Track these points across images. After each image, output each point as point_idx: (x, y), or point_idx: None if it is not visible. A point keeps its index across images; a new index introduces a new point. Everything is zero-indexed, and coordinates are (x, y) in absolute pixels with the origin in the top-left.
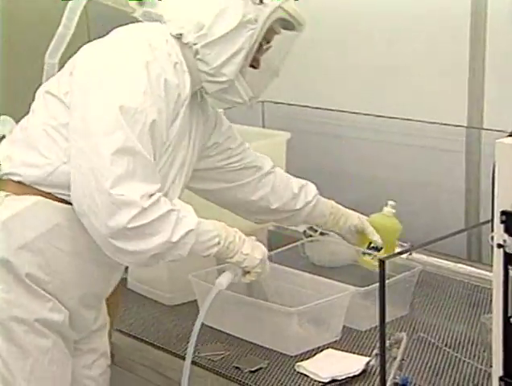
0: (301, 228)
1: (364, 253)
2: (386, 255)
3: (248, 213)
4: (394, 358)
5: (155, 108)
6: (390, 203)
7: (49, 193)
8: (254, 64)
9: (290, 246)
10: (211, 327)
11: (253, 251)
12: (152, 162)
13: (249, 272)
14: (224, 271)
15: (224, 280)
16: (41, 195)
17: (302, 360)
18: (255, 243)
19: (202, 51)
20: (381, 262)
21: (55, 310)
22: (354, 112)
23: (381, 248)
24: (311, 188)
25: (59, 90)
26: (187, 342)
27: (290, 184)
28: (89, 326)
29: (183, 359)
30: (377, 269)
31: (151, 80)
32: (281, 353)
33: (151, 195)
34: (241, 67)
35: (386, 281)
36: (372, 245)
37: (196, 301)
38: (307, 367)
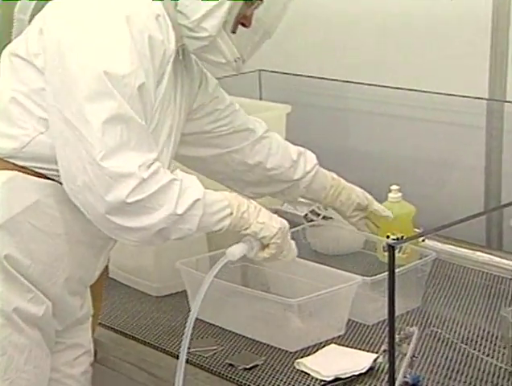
0: (302, 212)
1: (384, 248)
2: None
3: (243, 185)
4: (404, 354)
5: (142, 70)
6: (393, 187)
7: (25, 167)
8: (245, 22)
9: (290, 231)
10: (201, 320)
11: (271, 220)
12: (147, 129)
13: (267, 245)
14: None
15: (236, 250)
16: (17, 170)
17: (302, 357)
18: (272, 214)
19: (181, 1)
20: (390, 249)
21: (35, 302)
22: (361, 83)
23: (402, 237)
24: (311, 156)
25: (27, 51)
26: (176, 337)
27: (288, 150)
28: (74, 314)
29: (172, 355)
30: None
31: (135, 37)
32: (279, 349)
33: (150, 165)
34: (225, 22)
35: (396, 271)
36: (392, 237)
37: (185, 291)
38: (308, 364)
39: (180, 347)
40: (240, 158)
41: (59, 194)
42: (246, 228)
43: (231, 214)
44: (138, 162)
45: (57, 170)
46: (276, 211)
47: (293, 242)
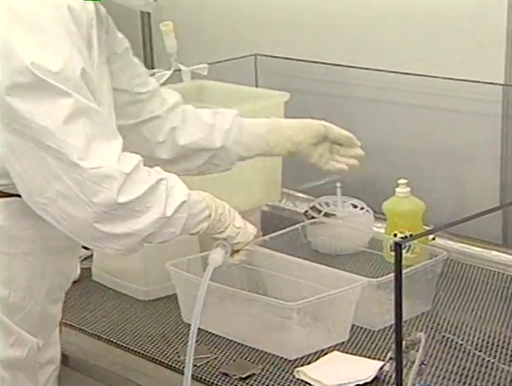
0: (302, 208)
1: (391, 247)
2: (400, 238)
3: (164, 162)
4: (413, 362)
5: (76, 50)
6: (401, 181)
7: None
8: None
9: (288, 229)
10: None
11: (246, 225)
12: (102, 112)
13: (237, 251)
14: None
15: (217, 255)
16: None
17: (302, 365)
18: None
19: None
20: (397, 247)
21: (19, 344)
22: (366, 68)
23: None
24: (228, 113)
25: None
26: (166, 344)
27: (201, 117)
28: (56, 323)
29: (162, 364)
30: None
31: (56, 17)
32: (277, 356)
33: (129, 158)
34: None
35: (404, 271)
36: (400, 236)
37: (174, 295)
38: (309, 373)
39: (174, 357)
40: (155, 127)
41: (17, 211)
42: (222, 232)
43: (209, 216)
44: (113, 156)
45: (12, 184)
46: (274, 207)
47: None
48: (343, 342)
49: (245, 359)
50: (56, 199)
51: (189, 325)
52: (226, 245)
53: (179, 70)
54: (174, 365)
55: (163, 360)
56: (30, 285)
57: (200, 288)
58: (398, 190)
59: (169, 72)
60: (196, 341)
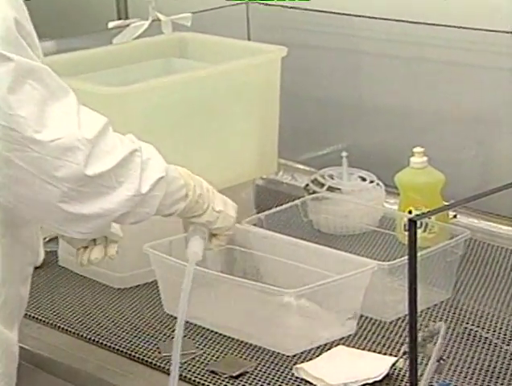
0: (301, 182)
1: (405, 226)
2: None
3: None
4: (430, 358)
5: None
6: (417, 150)
7: None
8: None
9: (286, 206)
10: (176, 317)
11: (227, 206)
12: (46, 67)
13: (215, 235)
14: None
15: (197, 248)
16: None
17: (303, 361)
18: (223, 196)
19: None
20: (412, 225)
21: None
22: (375, 18)
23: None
24: None
25: None
26: (145, 338)
27: None
28: (24, 308)
29: (139, 361)
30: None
31: None
32: (274, 352)
33: (96, 125)
34: None
35: (420, 253)
36: (416, 213)
37: (154, 282)
38: (310, 370)
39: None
40: None
41: None
42: (199, 215)
43: (187, 196)
44: (71, 120)
45: None
46: (270, 181)
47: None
48: (350, 336)
49: (237, 354)
50: (9, 184)
51: (172, 316)
52: (204, 231)
53: (159, 20)
54: (154, 362)
55: (141, 357)
56: (3, 268)
57: (183, 288)
58: (413, 159)
59: (146, 23)
60: (184, 336)
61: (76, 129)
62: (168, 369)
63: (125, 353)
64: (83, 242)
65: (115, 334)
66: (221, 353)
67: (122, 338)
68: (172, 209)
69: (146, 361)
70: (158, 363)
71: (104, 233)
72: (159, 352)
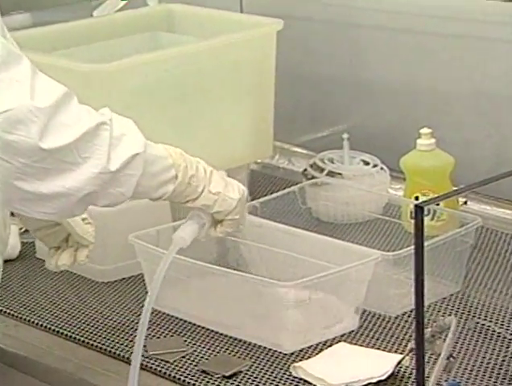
0: (299, 166)
1: (411, 213)
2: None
3: None
4: (438, 355)
5: None
6: (424, 131)
7: None
8: None
9: (282, 193)
10: (163, 313)
11: (227, 188)
12: None
13: (221, 221)
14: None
15: (185, 233)
16: None
17: (301, 360)
18: (226, 178)
19: None
20: (419, 212)
21: None
22: None
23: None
24: None
25: None
26: (130, 336)
27: None
28: None
29: (124, 360)
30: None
31: None
32: (270, 350)
33: (53, 94)
34: None
35: (427, 243)
36: (423, 199)
37: (141, 275)
38: (309, 369)
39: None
40: None
41: None
42: (194, 199)
43: (176, 178)
44: (23, 89)
45: None
46: (265, 165)
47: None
48: (352, 332)
49: (230, 353)
50: None
51: (160, 312)
52: (202, 216)
53: None
54: (140, 361)
55: (126, 355)
56: None
57: (155, 275)
58: (420, 141)
59: None
60: (168, 332)
61: (28, 100)
62: (156, 368)
63: (109, 351)
64: (55, 241)
65: (97, 332)
66: (213, 351)
67: (105, 335)
68: (159, 192)
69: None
70: (144, 362)
71: (75, 214)
72: (146, 351)
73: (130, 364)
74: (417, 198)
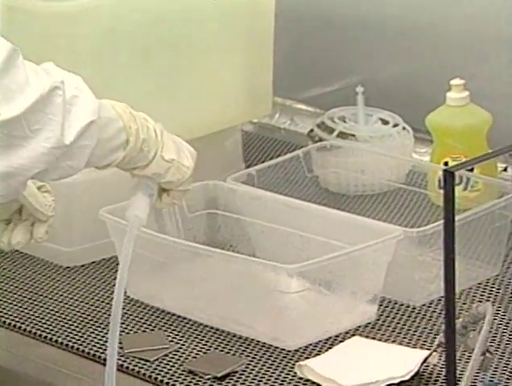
0: (304, 127)
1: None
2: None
3: None
4: (472, 350)
5: None
6: (455, 82)
7: None
8: None
9: (284, 158)
10: (141, 303)
11: (180, 154)
12: None
13: (166, 190)
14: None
15: (138, 209)
16: None
17: (307, 358)
18: (176, 139)
19: None
20: (449, 179)
21: None
22: None
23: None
24: None
25: None
26: (101, 331)
27: None
28: None
29: (94, 359)
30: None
31: None
32: (270, 346)
33: None
34: None
35: (459, 217)
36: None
37: (115, 258)
38: (317, 368)
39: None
40: None
41: None
42: (144, 167)
43: (127, 143)
44: None
45: None
46: (262, 126)
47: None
48: (368, 324)
49: (222, 350)
50: None
51: (138, 302)
52: (150, 186)
53: None
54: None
55: (98, 354)
56: None
57: (119, 264)
58: (450, 95)
59: None
60: (149, 325)
61: None
62: (134, 369)
63: (77, 349)
64: (4, 213)
65: (64, 326)
66: (202, 348)
67: (72, 330)
68: (107, 160)
69: (105, 359)
70: (120, 362)
71: (18, 194)
72: (121, 348)
73: (103, 364)
74: (446, 163)
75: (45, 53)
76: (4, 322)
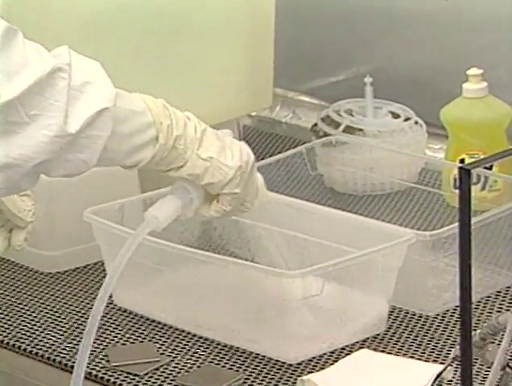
0: (307, 120)
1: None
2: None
3: None
4: (491, 364)
5: None
6: (472, 72)
7: None
8: None
9: (286, 155)
10: (129, 312)
11: (223, 152)
12: None
13: (217, 196)
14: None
15: (162, 211)
16: None
17: (310, 372)
18: (226, 138)
19: None
20: (465, 176)
21: None
22: None
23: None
24: None
25: None
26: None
27: None
28: None
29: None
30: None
31: None
32: (270, 359)
33: None
34: None
35: (476, 219)
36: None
37: (100, 263)
38: (322, 383)
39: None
40: None
41: None
42: (179, 167)
43: (156, 139)
44: None
45: None
46: (263, 119)
47: (260, 178)
48: (377, 335)
49: (217, 363)
50: None
51: (126, 311)
52: (189, 190)
53: None
54: (101, 375)
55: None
56: None
57: (116, 261)
58: (466, 86)
59: None
60: (137, 336)
61: None
62: (121, 384)
63: (59, 362)
64: None
65: (44, 337)
66: (195, 361)
67: (55, 342)
68: (134, 158)
69: (90, 373)
70: (106, 376)
71: (22, 189)
72: (108, 361)
73: (87, 379)
74: (463, 160)
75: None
76: None
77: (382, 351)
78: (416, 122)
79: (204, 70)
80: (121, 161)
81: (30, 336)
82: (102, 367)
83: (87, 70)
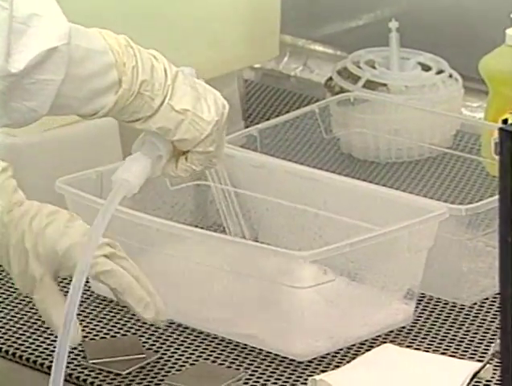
0: (321, 74)
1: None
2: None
3: None
4: None
5: None
6: None
7: None
8: None
9: (295, 114)
10: (109, 300)
11: (200, 103)
12: None
13: (185, 153)
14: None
15: (131, 173)
16: None
17: (324, 370)
18: (200, 85)
19: None
20: (506, 139)
21: None
22: None
23: None
24: None
25: None
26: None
27: None
28: None
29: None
30: None
31: None
32: (276, 356)
33: None
34: None
35: None
36: None
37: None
38: (337, 384)
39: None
40: None
41: None
42: (147, 118)
43: (119, 83)
44: None
45: None
46: (267, 72)
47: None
48: (402, 328)
49: (214, 360)
50: None
51: (105, 300)
52: (157, 146)
53: None
54: (76, 374)
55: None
56: None
57: (91, 235)
58: (510, 32)
59: None
60: (121, 329)
61: None
62: (101, 385)
63: (27, 360)
64: None
65: (14, 333)
66: (188, 358)
67: (25, 337)
68: (94, 105)
69: (70, 375)
70: (81, 376)
71: None
72: (84, 357)
73: (68, 381)
74: (506, 121)
75: None
76: None
77: (409, 347)
78: (450, 76)
79: (203, 16)
80: (78, 109)
81: (10, 336)
82: (78, 365)
83: (36, 4)
